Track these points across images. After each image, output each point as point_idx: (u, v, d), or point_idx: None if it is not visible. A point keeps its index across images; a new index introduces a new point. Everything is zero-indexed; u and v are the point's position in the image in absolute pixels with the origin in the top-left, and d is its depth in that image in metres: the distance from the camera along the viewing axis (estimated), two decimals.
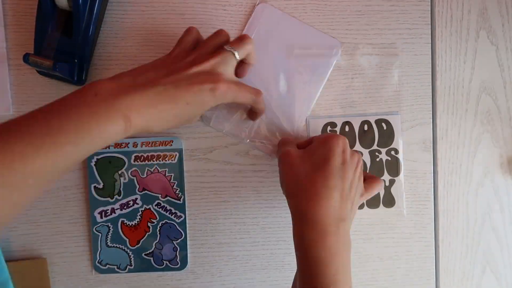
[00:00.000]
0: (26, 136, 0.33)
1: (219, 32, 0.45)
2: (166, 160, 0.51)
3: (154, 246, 0.51)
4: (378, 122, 0.52)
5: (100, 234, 0.51)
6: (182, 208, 0.51)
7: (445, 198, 0.54)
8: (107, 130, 0.35)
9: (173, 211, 0.51)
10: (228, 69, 0.43)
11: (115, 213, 0.51)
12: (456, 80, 0.54)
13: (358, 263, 0.53)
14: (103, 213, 0.51)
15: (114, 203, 0.51)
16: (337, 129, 0.52)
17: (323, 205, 0.41)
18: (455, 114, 0.54)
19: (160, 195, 0.51)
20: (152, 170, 0.51)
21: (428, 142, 0.54)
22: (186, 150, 0.51)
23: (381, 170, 0.52)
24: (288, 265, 0.53)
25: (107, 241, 0.51)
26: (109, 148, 0.50)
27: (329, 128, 0.51)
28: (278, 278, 0.53)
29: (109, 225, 0.51)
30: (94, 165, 0.50)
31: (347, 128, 0.51)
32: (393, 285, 0.53)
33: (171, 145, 0.51)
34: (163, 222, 0.51)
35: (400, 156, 0.52)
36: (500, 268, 0.55)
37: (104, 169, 0.50)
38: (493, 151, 0.54)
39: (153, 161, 0.51)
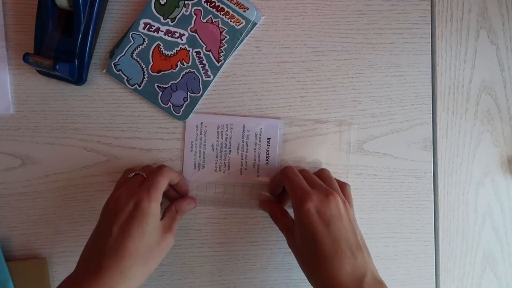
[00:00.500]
0: None
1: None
2: (231, 21, 0.50)
3: (169, 84, 0.50)
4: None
5: (132, 42, 0.49)
6: (215, 70, 0.51)
7: (445, 198, 0.54)
8: None
9: (207, 67, 0.50)
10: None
11: (158, 33, 0.50)
12: (456, 80, 0.54)
13: None
14: (148, 25, 0.50)
15: (163, 24, 0.50)
16: None
17: (337, 274, 0.40)
18: (455, 113, 0.54)
19: (205, 46, 0.50)
20: (213, 20, 0.50)
21: (428, 141, 0.54)
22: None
23: None
24: (288, 264, 0.53)
25: (134, 53, 0.50)
26: None
27: None
28: (278, 278, 0.53)
29: (145, 40, 0.50)
30: None
31: None
32: (393, 284, 0.53)
33: (245, 11, 0.50)
34: (192, 70, 0.50)
35: None
36: (500, 268, 0.55)
37: None
38: (493, 150, 0.54)
39: (221, 13, 0.50)
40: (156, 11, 0.50)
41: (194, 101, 0.51)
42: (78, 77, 0.49)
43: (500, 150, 0.55)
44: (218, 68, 0.51)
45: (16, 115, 0.50)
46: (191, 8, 0.50)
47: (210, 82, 0.51)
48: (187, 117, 0.51)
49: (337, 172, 0.53)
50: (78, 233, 0.51)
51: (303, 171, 0.48)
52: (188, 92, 0.50)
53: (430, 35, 0.54)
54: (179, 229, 0.52)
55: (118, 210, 0.41)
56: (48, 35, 0.47)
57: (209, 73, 0.51)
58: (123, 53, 0.50)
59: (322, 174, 0.48)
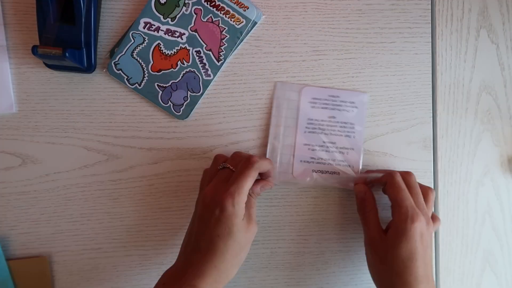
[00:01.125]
0: None
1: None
2: (231, 20, 0.50)
3: (169, 83, 0.50)
4: None
5: (132, 41, 0.50)
6: (216, 69, 0.51)
7: (445, 197, 0.54)
8: None
9: (207, 66, 0.51)
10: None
11: (158, 32, 0.50)
12: (457, 79, 0.54)
13: (359, 263, 0.53)
14: (148, 25, 0.50)
15: (163, 23, 0.50)
16: None
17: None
18: (455, 113, 0.54)
19: (205, 46, 0.50)
20: (214, 19, 0.50)
21: (428, 141, 0.54)
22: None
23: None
24: (288, 263, 0.53)
25: (134, 52, 0.50)
26: None
27: None
28: (278, 277, 0.53)
29: (146, 39, 0.50)
30: None
31: None
32: None
33: (245, 10, 0.50)
34: (192, 70, 0.50)
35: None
36: (500, 267, 0.55)
37: None
38: (493, 150, 0.54)
39: (221, 13, 0.50)
40: (156, 10, 0.50)
41: (195, 100, 0.51)
42: (87, 64, 0.49)
43: (500, 150, 0.55)
44: (218, 68, 0.51)
45: (17, 115, 0.50)
46: (191, 7, 0.50)
47: (210, 81, 0.51)
48: (187, 116, 0.51)
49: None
50: (79, 232, 0.51)
51: (407, 176, 0.48)
52: (189, 92, 0.50)
53: (431, 35, 0.54)
54: (180, 228, 0.52)
55: (206, 211, 0.43)
56: (51, 25, 0.47)
57: (209, 72, 0.51)
58: (123, 52, 0.50)
59: (409, 179, 0.48)
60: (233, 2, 0.50)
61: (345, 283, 0.53)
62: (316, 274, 0.53)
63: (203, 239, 0.43)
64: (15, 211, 0.51)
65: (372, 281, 0.52)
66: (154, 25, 0.50)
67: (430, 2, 0.53)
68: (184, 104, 0.51)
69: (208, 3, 0.50)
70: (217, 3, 0.50)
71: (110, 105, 0.51)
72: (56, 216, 0.51)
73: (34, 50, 0.45)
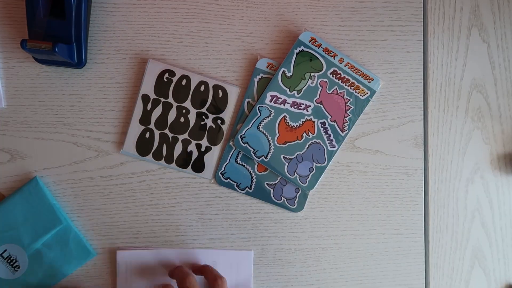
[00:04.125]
0: None
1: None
2: (356, 92, 0.51)
3: (295, 155, 0.51)
4: (216, 88, 0.51)
5: (259, 114, 0.50)
6: (340, 140, 0.52)
7: (436, 194, 0.55)
8: None
9: (331, 137, 0.51)
10: None
11: (284, 105, 0.50)
12: (448, 77, 0.54)
13: (348, 259, 0.53)
14: (275, 98, 0.50)
15: (289, 96, 0.51)
16: (174, 79, 0.50)
17: None
18: (446, 111, 0.54)
19: (330, 117, 0.51)
20: (339, 91, 0.51)
21: (420, 138, 0.54)
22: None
23: (202, 135, 0.51)
24: (279, 260, 0.53)
25: (260, 125, 0.51)
26: (320, 47, 0.50)
27: (166, 75, 0.50)
28: (270, 273, 0.53)
29: (272, 112, 0.51)
30: (297, 53, 0.50)
31: (184, 82, 0.50)
32: (383, 280, 0.54)
33: (370, 82, 0.51)
34: (317, 141, 0.51)
35: (225, 127, 0.51)
36: (489, 264, 0.55)
37: (302, 63, 0.50)
38: (484, 147, 0.55)
39: (346, 85, 0.51)
40: (283, 84, 0.51)
41: (320, 171, 0.52)
42: (78, 59, 0.49)
43: (490, 148, 0.55)
44: (343, 138, 0.52)
45: (5, 110, 0.50)
46: (317, 80, 0.51)
47: (335, 151, 0.52)
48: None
49: (328, 169, 0.53)
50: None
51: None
52: (314, 163, 0.51)
53: (422, 33, 0.54)
54: (166, 225, 0.52)
55: None
56: (41, 19, 0.47)
57: (334, 143, 0.52)
58: (249, 126, 0.50)
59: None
60: (358, 75, 0.51)
61: (335, 280, 0.53)
62: (307, 271, 0.53)
63: None
64: None
65: (362, 278, 0.53)
66: (281, 98, 0.51)
67: (422, 0, 0.54)
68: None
69: (334, 75, 0.51)
70: (343, 75, 0.51)
71: (101, 101, 0.51)
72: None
73: (23, 44, 0.45)
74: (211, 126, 0.51)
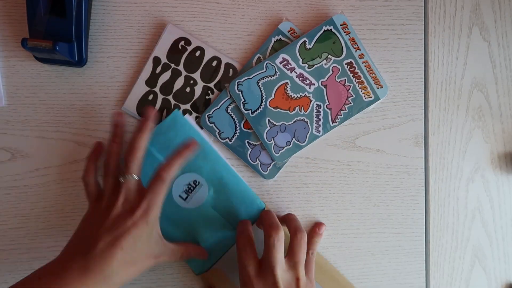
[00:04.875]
0: None
1: (109, 158, 0.46)
2: (362, 91, 0.51)
3: (280, 123, 0.51)
4: (227, 65, 0.51)
5: (264, 70, 0.50)
6: (327, 128, 0.51)
7: (436, 193, 0.55)
8: None
9: (320, 123, 0.51)
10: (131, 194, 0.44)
11: (291, 72, 0.50)
12: (448, 76, 0.54)
13: (349, 257, 0.53)
14: (286, 62, 0.50)
15: (299, 66, 0.50)
16: (189, 48, 0.50)
17: None
18: (447, 110, 0.54)
19: (327, 104, 0.51)
20: (346, 83, 0.51)
21: (420, 137, 0.54)
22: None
23: (203, 110, 0.51)
24: None
25: (260, 80, 0.50)
26: (348, 34, 0.51)
27: (182, 42, 0.50)
28: None
29: (277, 73, 0.50)
30: (325, 30, 0.50)
31: (198, 53, 0.50)
32: (383, 279, 0.54)
33: (378, 88, 0.51)
34: (306, 120, 0.51)
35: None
36: (489, 263, 0.56)
37: (325, 41, 0.50)
38: (484, 146, 0.55)
39: (355, 80, 0.51)
40: (299, 53, 0.50)
41: (295, 149, 0.51)
42: (78, 58, 0.49)
43: (491, 147, 0.55)
44: (330, 128, 0.51)
45: (6, 108, 0.50)
46: (331, 64, 0.51)
47: (317, 137, 0.51)
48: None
49: (329, 168, 0.53)
50: (69, 228, 0.51)
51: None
52: (293, 138, 0.51)
53: (423, 31, 0.54)
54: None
55: (114, 221, 0.42)
56: (41, 18, 0.46)
57: (320, 128, 0.51)
58: (250, 77, 0.50)
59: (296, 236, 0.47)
60: (371, 76, 0.51)
61: None
62: None
63: (99, 245, 0.40)
64: (4, 206, 0.50)
65: (363, 277, 0.53)
66: (291, 64, 0.50)
67: None
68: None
69: (349, 66, 0.51)
70: (356, 70, 0.51)
71: (101, 99, 0.51)
72: (47, 212, 0.51)
73: (24, 43, 0.45)
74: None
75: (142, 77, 0.50)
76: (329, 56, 0.51)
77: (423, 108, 0.54)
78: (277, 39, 0.51)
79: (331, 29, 0.50)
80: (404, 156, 0.54)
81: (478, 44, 0.54)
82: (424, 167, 0.54)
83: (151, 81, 0.50)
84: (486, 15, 0.54)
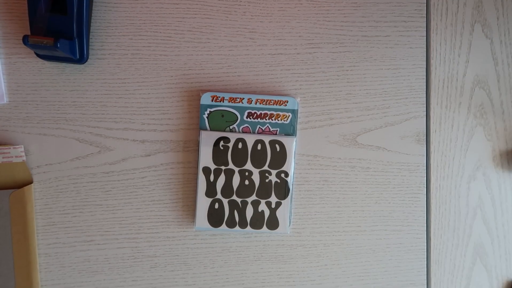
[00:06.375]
0: None
1: None
2: (279, 120, 0.51)
3: None
4: (272, 143, 0.51)
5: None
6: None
7: (438, 191, 0.55)
8: None
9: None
10: None
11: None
12: (450, 73, 0.54)
13: (350, 255, 0.54)
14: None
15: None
16: (230, 144, 0.51)
17: None
18: (448, 107, 0.54)
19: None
20: (263, 128, 0.51)
21: (422, 135, 0.54)
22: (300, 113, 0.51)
23: (269, 192, 0.51)
24: (281, 256, 0.53)
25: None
26: (223, 101, 0.50)
27: (221, 142, 0.50)
28: (271, 269, 0.53)
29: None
30: (207, 117, 0.50)
31: (240, 145, 0.51)
32: (384, 276, 0.54)
33: (286, 105, 0.51)
34: None
35: (290, 179, 0.51)
36: (490, 260, 0.55)
37: (216, 122, 0.50)
38: (486, 144, 0.55)
39: (266, 119, 0.51)
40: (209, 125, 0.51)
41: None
42: (80, 55, 0.48)
43: (492, 144, 0.55)
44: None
45: (7, 105, 0.50)
46: (238, 129, 0.51)
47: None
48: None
49: (330, 165, 0.53)
50: (70, 225, 0.51)
51: None
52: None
53: (425, 28, 0.54)
54: (173, 220, 0.52)
55: None
56: (43, 15, 0.46)
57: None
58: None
59: None
60: (272, 104, 0.51)
61: (337, 276, 0.53)
62: (309, 267, 0.53)
63: None
64: None
65: (364, 275, 0.53)
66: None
67: None
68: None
69: (251, 117, 0.51)
70: (258, 112, 0.51)
71: (103, 97, 0.51)
72: (48, 208, 0.51)
73: (25, 40, 0.44)
74: (276, 181, 0.51)
75: (200, 192, 0.51)
76: (231, 126, 0.51)
77: (425, 105, 0.54)
78: (207, 114, 0.51)
79: (209, 111, 0.50)
80: (406, 154, 0.54)
81: (480, 42, 0.54)
82: (425, 165, 0.54)
83: (210, 190, 0.51)
84: (488, 12, 0.54)
